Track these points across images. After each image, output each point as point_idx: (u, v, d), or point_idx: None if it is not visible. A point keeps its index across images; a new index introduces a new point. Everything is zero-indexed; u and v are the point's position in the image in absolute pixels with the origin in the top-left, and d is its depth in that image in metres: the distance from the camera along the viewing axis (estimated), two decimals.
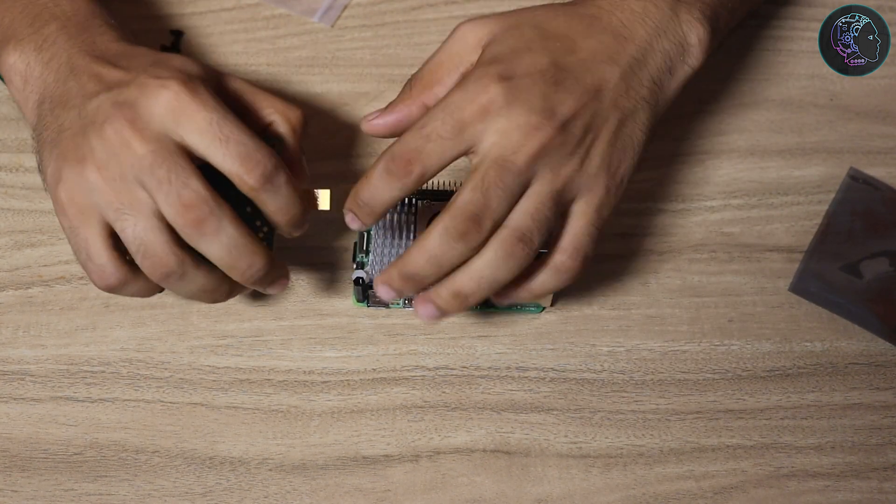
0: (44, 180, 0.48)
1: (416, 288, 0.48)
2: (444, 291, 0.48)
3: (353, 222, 0.49)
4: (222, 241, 0.46)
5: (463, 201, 0.46)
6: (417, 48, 0.64)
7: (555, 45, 0.49)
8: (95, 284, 0.47)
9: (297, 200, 0.48)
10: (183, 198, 0.44)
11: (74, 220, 0.47)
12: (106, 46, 0.50)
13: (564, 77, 0.48)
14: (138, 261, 0.46)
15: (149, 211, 0.45)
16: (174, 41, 0.64)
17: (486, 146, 0.46)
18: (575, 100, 0.48)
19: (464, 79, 0.48)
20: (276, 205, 0.47)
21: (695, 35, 0.52)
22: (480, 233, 0.46)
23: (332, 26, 0.65)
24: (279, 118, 0.50)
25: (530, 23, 0.50)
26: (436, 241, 0.46)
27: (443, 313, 0.49)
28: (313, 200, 0.51)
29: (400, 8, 0.65)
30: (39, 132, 0.49)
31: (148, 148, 0.45)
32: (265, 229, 0.50)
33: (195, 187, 0.45)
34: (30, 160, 0.61)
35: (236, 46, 0.64)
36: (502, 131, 0.46)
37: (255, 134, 0.46)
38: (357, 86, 0.63)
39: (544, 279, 0.49)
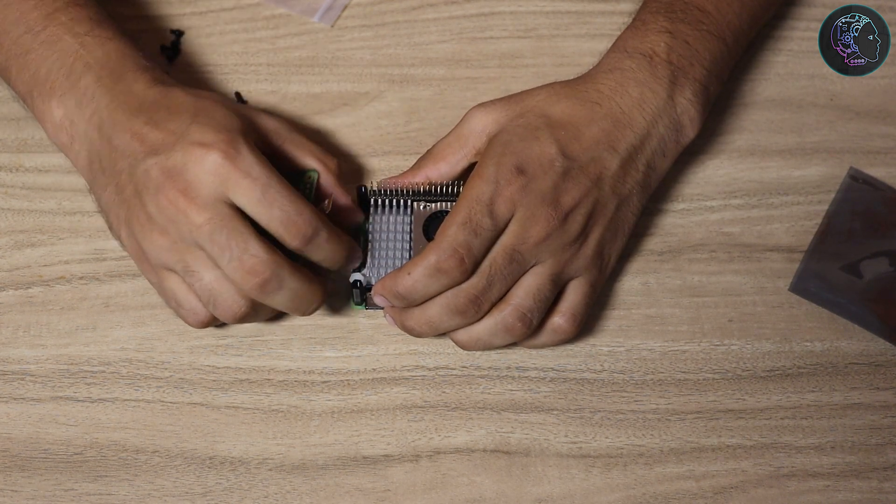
0: (119, 242, 0.52)
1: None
2: (402, 319, 0.53)
3: (384, 304, 0.53)
4: (285, 296, 0.49)
5: (469, 284, 0.50)
6: (417, 48, 0.64)
7: (560, 133, 0.52)
8: (191, 325, 0.51)
9: (340, 249, 0.51)
10: (245, 264, 0.48)
11: (155, 277, 0.51)
12: (143, 94, 0.52)
13: (570, 167, 0.51)
14: (210, 310, 0.50)
15: (212, 265, 0.48)
16: (174, 41, 0.64)
17: (506, 233, 0.51)
18: (579, 190, 0.51)
19: (483, 167, 0.51)
20: (320, 257, 0.51)
21: (688, 116, 0.56)
22: (478, 313, 0.51)
23: (332, 26, 0.65)
24: (319, 166, 0.54)
25: (535, 111, 0.53)
26: (436, 311, 0.51)
27: (402, 327, 0.53)
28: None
29: (400, 8, 0.65)
30: (99, 194, 0.53)
31: (205, 217, 0.47)
32: None
33: (255, 251, 0.48)
34: (30, 160, 0.61)
35: (236, 46, 0.64)
36: (520, 220, 0.50)
37: (296, 189, 0.50)
38: (357, 86, 0.63)
39: (543, 339, 0.53)
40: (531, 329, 0.51)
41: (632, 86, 0.54)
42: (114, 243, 0.58)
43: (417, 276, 0.50)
